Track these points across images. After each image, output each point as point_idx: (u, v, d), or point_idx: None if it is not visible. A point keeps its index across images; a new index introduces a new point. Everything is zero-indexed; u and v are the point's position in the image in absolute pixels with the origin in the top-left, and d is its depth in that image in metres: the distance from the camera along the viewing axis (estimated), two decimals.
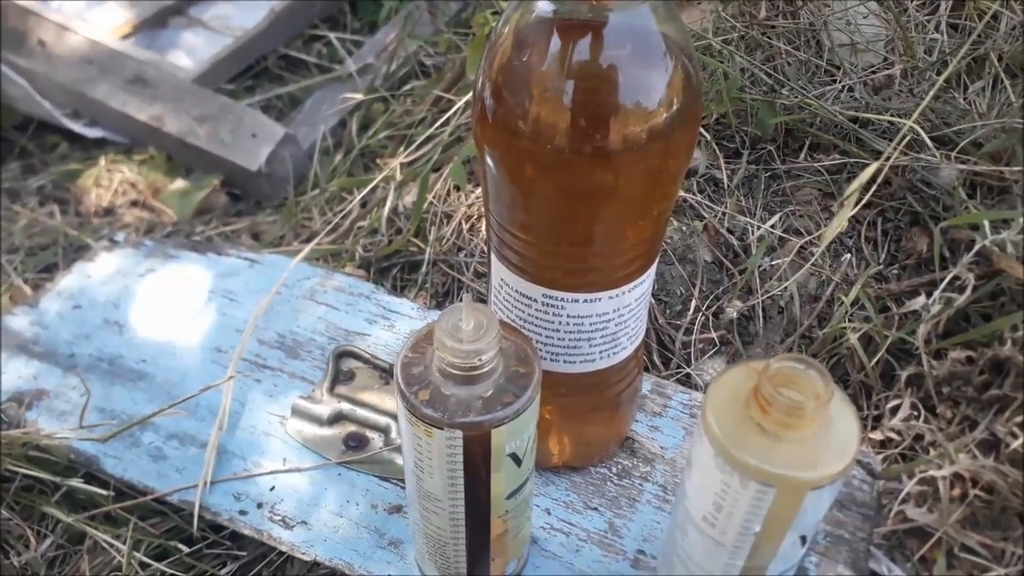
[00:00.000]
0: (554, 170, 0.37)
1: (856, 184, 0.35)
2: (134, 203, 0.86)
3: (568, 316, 0.43)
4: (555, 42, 0.36)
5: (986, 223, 0.57)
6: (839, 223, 0.36)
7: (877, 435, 0.59)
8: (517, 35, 0.37)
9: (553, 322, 0.43)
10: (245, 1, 1.13)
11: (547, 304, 0.42)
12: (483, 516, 0.41)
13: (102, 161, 0.90)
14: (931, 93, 0.63)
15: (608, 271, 0.41)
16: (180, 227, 0.83)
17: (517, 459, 0.39)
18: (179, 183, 0.89)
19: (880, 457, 0.56)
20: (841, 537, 0.50)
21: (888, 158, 0.62)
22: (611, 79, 0.35)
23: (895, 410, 0.59)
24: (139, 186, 0.87)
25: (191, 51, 1.07)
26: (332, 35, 1.07)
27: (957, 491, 0.56)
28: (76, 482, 0.55)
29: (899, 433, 0.58)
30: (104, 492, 0.54)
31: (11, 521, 0.56)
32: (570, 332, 0.43)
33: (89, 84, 0.94)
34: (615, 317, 0.43)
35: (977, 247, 0.57)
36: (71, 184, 0.88)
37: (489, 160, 0.39)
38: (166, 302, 0.66)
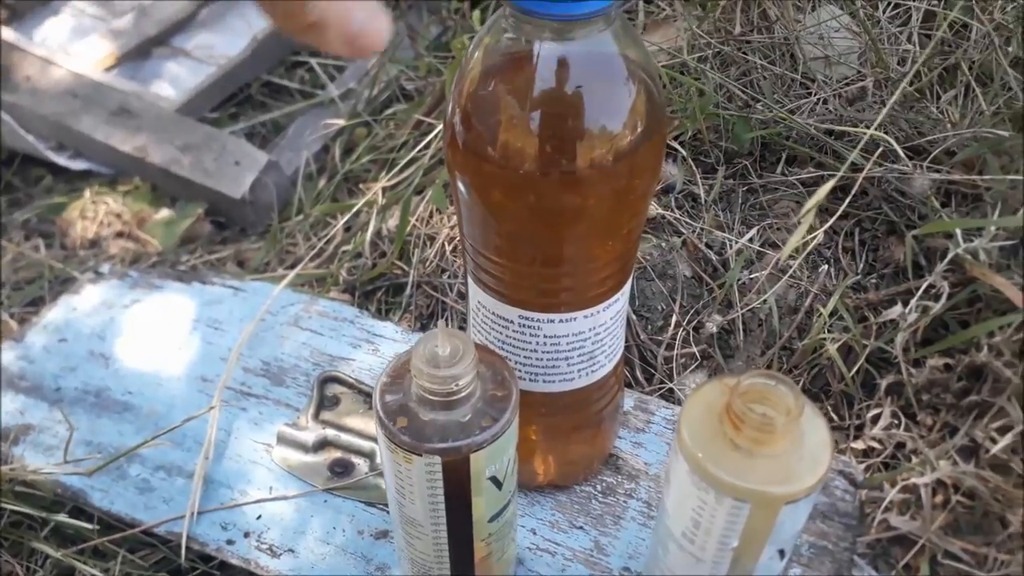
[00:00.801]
0: (523, 193, 0.38)
1: (813, 201, 0.36)
2: (119, 234, 0.87)
3: (545, 336, 0.43)
4: (521, 69, 0.36)
5: (959, 231, 0.58)
6: (796, 240, 0.37)
7: (859, 444, 0.59)
8: (485, 62, 0.37)
9: (530, 343, 0.44)
10: (227, 30, 1.14)
11: (523, 325, 0.43)
12: (466, 540, 0.41)
13: (87, 193, 0.90)
14: (895, 96, 0.64)
15: (582, 291, 0.42)
16: (165, 257, 0.83)
17: (497, 482, 0.39)
18: (164, 213, 0.89)
19: (862, 466, 0.57)
20: (824, 548, 0.51)
21: (860, 169, 0.63)
22: (575, 104, 0.36)
23: (876, 419, 0.60)
24: (124, 217, 0.88)
25: (175, 81, 1.07)
26: (314, 61, 1.08)
27: (939, 498, 0.56)
28: (63, 517, 0.55)
29: (880, 442, 0.59)
30: (90, 526, 0.54)
31: (0, 557, 0.56)
32: (547, 352, 0.44)
33: (73, 116, 0.95)
34: (591, 336, 0.44)
35: (950, 255, 0.58)
36: (56, 217, 0.88)
37: (460, 185, 0.40)
38: (151, 333, 0.66)
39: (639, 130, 0.37)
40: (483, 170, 0.38)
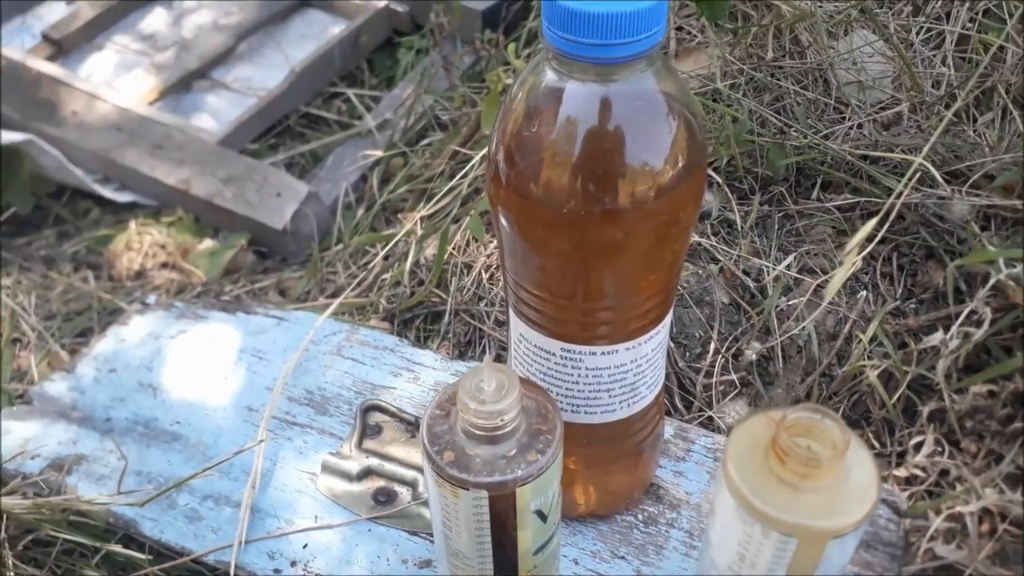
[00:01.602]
0: (566, 230, 0.38)
1: (856, 239, 0.36)
2: (164, 265, 0.89)
3: (587, 369, 0.44)
4: (563, 110, 0.37)
5: (1001, 260, 0.58)
6: (842, 277, 0.37)
7: (902, 472, 0.59)
8: (528, 103, 0.38)
9: (572, 375, 0.44)
10: (266, 62, 1.17)
11: (565, 358, 0.44)
12: (511, 572, 0.41)
13: (132, 225, 0.93)
14: (939, 128, 0.64)
15: (624, 323, 0.42)
16: (209, 287, 0.85)
17: (543, 515, 0.39)
18: (207, 243, 0.91)
19: (906, 494, 0.56)
20: None
21: (899, 195, 0.63)
22: (618, 143, 0.37)
23: (919, 446, 0.59)
24: (168, 248, 0.90)
25: (215, 113, 1.10)
26: (351, 92, 1.11)
27: (986, 526, 0.55)
28: (115, 546, 0.56)
29: (924, 469, 0.58)
30: (141, 556, 0.56)
31: None
32: (589, 384, 0.44)
33: (118, 150, 0.98)
34: (633, 368, 0.44)
35: (992, 281, 0.58)
36: (104, 249, 0.91)
37: (503, 220, 0.41)
38: (198, 363, 0.68)
39: (680, 165, 0.38)
40: (526, 207, 0.39)
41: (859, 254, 0.63)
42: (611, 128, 0.37)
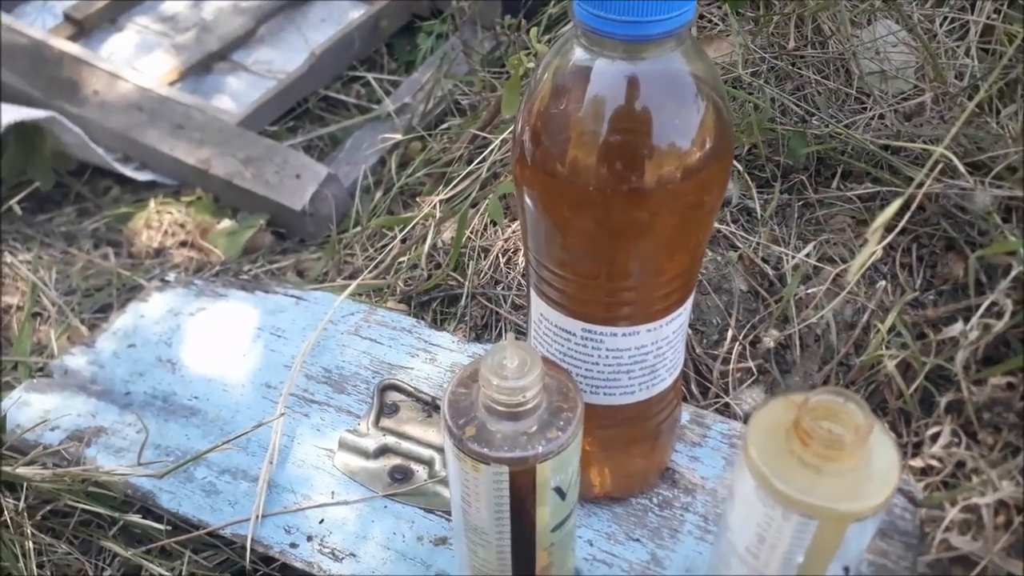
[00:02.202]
0: (591, 209, 0.38)
1: (881, 220, 0.36)
2: (183, 243, 0.89)
3: (607, 349, 0.44)
4: (591, 88, 0.37)
5: (1022, 250, 0.57)
6: (864, 259, 0.37)
7: (918, 463, 0.59)
8: (555, 82, 0.38)
9: (592, 355, 0.44)
10: (286, 45, 1.17)
11: (586, 338, 0.44)
12: (529, 549, 0.42)
13: (152, 203, 0.93)
14: (962, 118, 0.63)
15: (645, 305, 0.42)
16: (228, 266, 0.86)
17: (561, 492, 0.40)
18: (226, 223, 0.92)
19: (921, 485, 0.56)
20: (884, 566, 0.50)
21: (920, 185, 0.63)
22: (645, 122, 0.37)
23: (935, 437, 0.59)
24: (188, 227, 0.90)
25: (235, 95, 1.11)
26: (370, 76, 1.11)
27: (1001, 518, 0.55)
28: (133, 517, 0.57)
29: (940, 460, 0.58)
30: (159, 526, 0.56)
31: (70, 555, 0.58)
32: (609, 365, 0.44)
33: (139, 129, 0.98)
34: (653, 349, 0.44)
35: (1014, 272, 0.58)
36: (123, 226, 0.91)
37: (528, 200, 0.41)
38: (216, 340, 0.68)
39: (708, 148, 0.38)
40: (552, 186, 0.39)
41: (880, 241, 0.62)
42: (639, 107, 0.37)
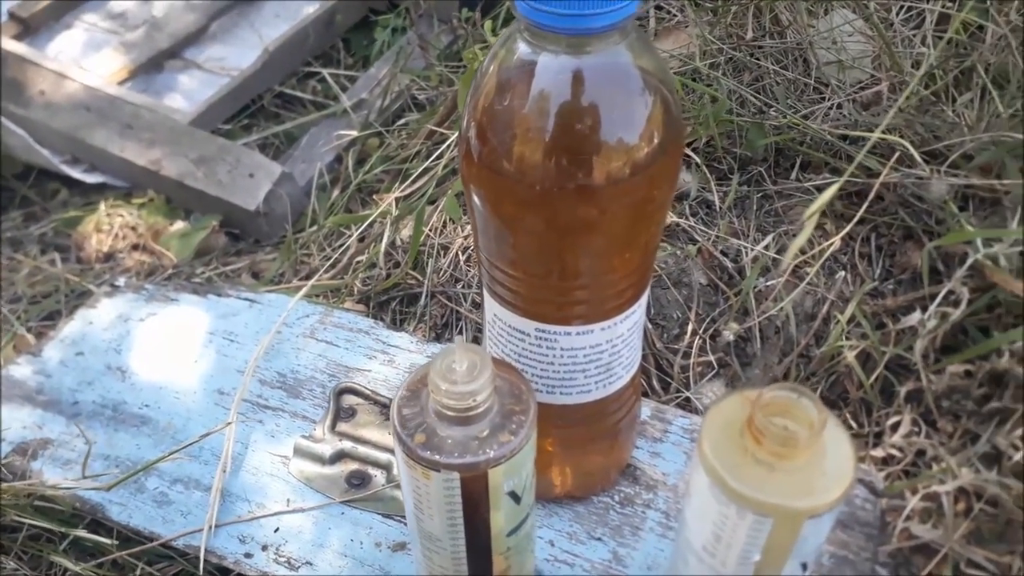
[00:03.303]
0: (540, 207, 0.38)
1: (818, 204, 0.35)
2: (135, 247, 0.87)
3: (562, 349, 0.43)
4: (536, 83, 0.36)
5: (978, 239, 0.58)
6: (801, 241, 0.37)
7: (879, 452, 0.59)
8: (500, 76, 0.37)
9: (547, 355, 0.43)
10: (239, 42, 1.15)
11: (540, 338, 0.43)
12: (485, 554, 0.41)
13: (102, 206, 0.91)
14: (901, 99, 0.64)
15: (599, 303, 0.41)
16: (181, 269, 0.84)
17: (516, 497, 0.39)
18: (179, 225, 0.89)
19: (882, 475, 0.56)
20: (845, 558, 0.50)
21: (874, 174, 0.63)
22: (592, 118, 0.36)
23: (896, 426, 0.59)
24: (139, 229, 0.88)
25: (187, 93, 1.08)
26: (326, 71, 1.09)
27: (961, 506, 0.56)
28: (82, 531, 0.55)
29: (900, 450, 0.58)
30: (109, 541, 0.55)
31: (19, 572, 0.56)
32: (564, 365, 0.44)
33: (87, 130, 0.96)
34: (608, 348, 0.44)
35: (970, 261, 0.58)
36: (72, 230, 0.89)
37: (476, 198, 0.40)
38: (168, 346, 0.66)
39: (656, 142, 0.37)
40: (498, 184, 0.38)
41: (838, 233, 0.62)
42: (584, 102, 0.36)
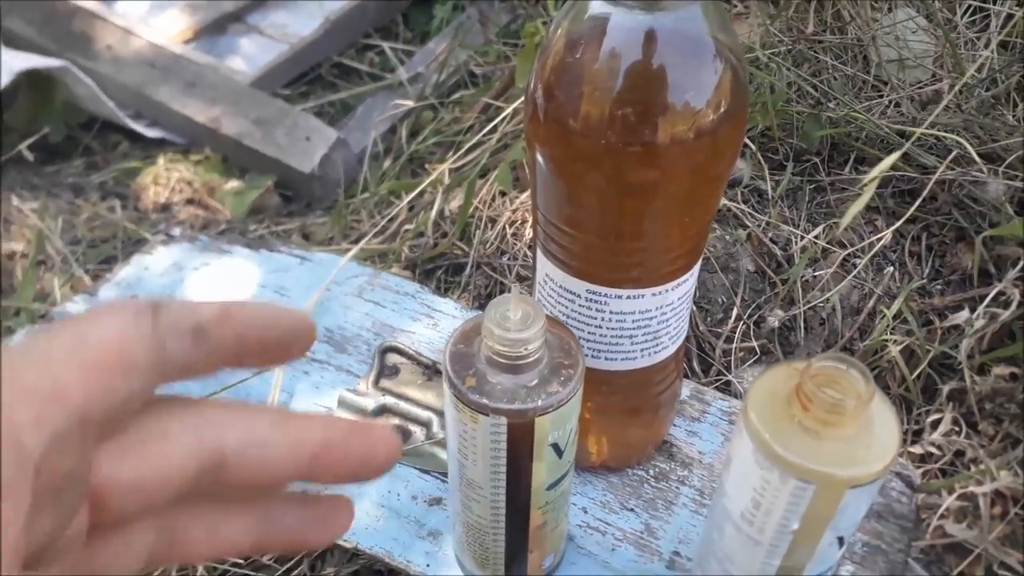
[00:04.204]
0: (602, 164, 0.38)
1: (877, 171, 0.35)
2: (190, 201, 0.89)
3: (611, 312, 0.43)
4: (607, 41, 0.37)
5: None
6: (857, 208, 0.37)
7: (917, 449, 0.58)
8: (569, 36, 0.38)
9: (596, 318, 0.44)
10: (301, 10, 1.17)
11: (590, 300, 0.43)
12: (523, 506, 0.41)
13: (161, 160, 0.93)
14: (949, 98, 0.63)
15: (652, 267, 0.42)
16: (234, 225, 0.86)
17: (559, 450, 0.39)
18: (234, 183, 0.91)
19: (920, 471, 0.56)
20: (878, 548, 0.50)
21: (929, 172, 0.62)
22: (660, 77, 0.36)
23: (936, 424, 0.59)
24: (195, 185, 0.90)
25: (248, 57, 1.10)
26: (385, 44, 1.10)
27: (998, 509, 0.55)
28: None
29: (939, 448, 0.58)
30: None
31: None
32: (612, 329, 0.44)
33: (151, 86, 0.98)
34: (657, 315, 0.44)
35: (1023, 263, 0.57)
36: (131, 181, 0.91)
37: (540, 157, 0.40)
38: (219, 295, 0.68)
39: (722, 109, 0.37)
40: (563, 141, 0.38)
41: (888, 228, 0.62)
42: (654, 61, 0.36)
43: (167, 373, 0.21)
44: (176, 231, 0.76)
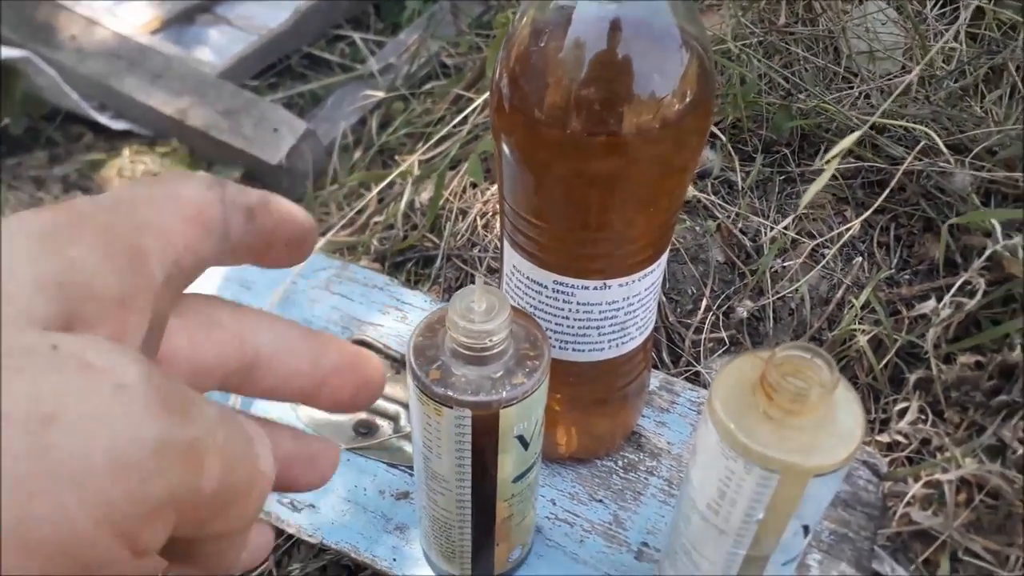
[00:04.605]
0: (568, 154, 0.38)
1: (838, 149, 0.35)
2: None
3: (578, 303, 0.43)
4: (572, 30, 0.36)
5: (998, 229, 0.57)
6: (817, 187, 0.37)
7: (884, 438, 0.59)
8: (535, 25, 0.37)
9: (563, 309, 0.44)
10: (271, 1, 1.15)
11: (557, 291, 0.43)
12: (489, 499, 0.41)
13: (126, 152, 0.92)
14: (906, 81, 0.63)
15: (619, 258, 0.42)
16: None
17: (524, 442, 0.39)
18: (201, 175, 0.90)
19: (887, 459, 0.57)
20: (845, 536, 0.50)
21: (897, 163, 0.63)
22: (625, 66, 0.36)
23: (902, 413, 0.59)
24: None
25: (216, 48, 1.09)
26: (356, 35, 1.09)
27: (963, 495, 0.56)
28: None
29: (906, 436, 0.58)
30: None
31: None
32: (579, 320, 0.44)
33: (116, 77, 0.96)
34: (624, 306, 0.44)
35: (988, 252, 0.58)
36: (95, 174, 0.90)
37: (505, 147, 0.40)
38: None
39: (688, 99, 0.37)
40: (528, 130, 0.38)
41: (857, 219, 0.62)
42: (619, 50, 0.36)
43: (224, 248, 0.20)
44: None
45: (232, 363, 0.20)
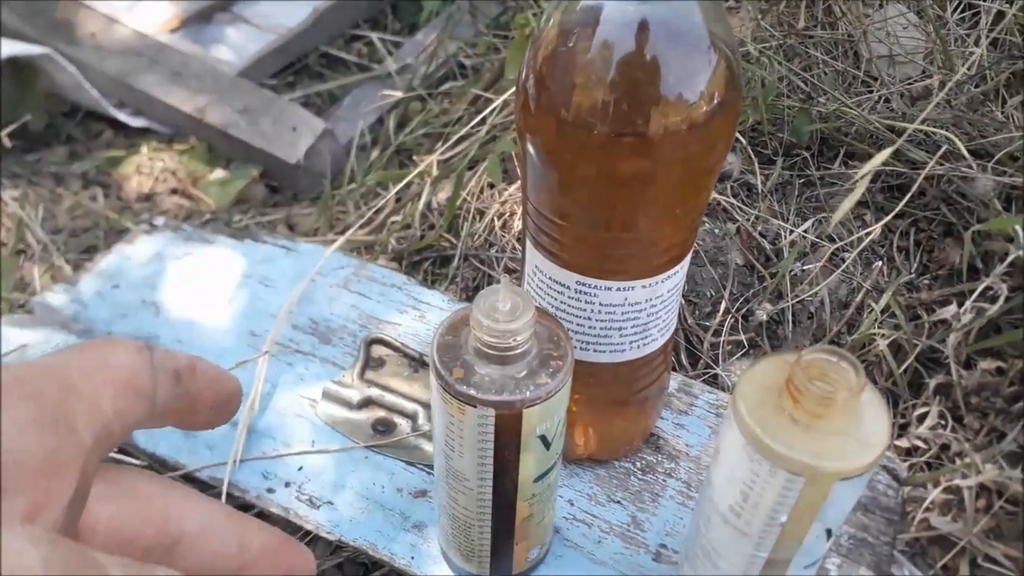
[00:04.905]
0: (594, 154, 0.38)
1: (870, 166, 0.35)
2: (174, 191, 0.88)
3: (600, 304, 0.43)
4: (600, 31, 0.36)
5: (1020, 234, 0.57)
6: (849, 204, 0.37)
7: (903, 443, 0.59)
8: (562, 26, 0.37)
9: (585, 310, 0.44)
10: (289, 1, 1.15)
11: (580, 291, 0.43)
12: (510, 498, 0.41)
13: (144, 149, 0.92)
14: (947, 87, 0.63)
15: (642, 260, 0.42)
16: (218, 215, 0.85)
17: (546, 442, 0.39)
18: (218, 173, 0.90)
19: (906, 464, 0.56)
20: (864, 540, 0.50)
21: (918, 167, 0.62)
22: (653, 67, 0.36)
23: (922, 418, 0.59)
24: (179, 174, 0.89)
25: (235, 47, 1.09)
26: (373, 35, 1.09)
27: (982, 502, 0.55)
28: (111, 456, 0.56)
29: (925, 441, 0.58)
30: (137, 462, 0.55)
31: None
32: (601, 320, 0.44)
33: (135, 75, 0.97)
34: (647, 307, 0.44)
35: (1011, 257, 0.57)
36: (114, 170, 0.90)
37: (531, 148, 0.40)
38: (203, 285, 0.67)
39: (716, 101, 0.37)
40: (555, 131, 0.38)
41: (877, 223, 0.62)
42: (647, 51, 0.36)
43: (152, 411, 0.21)
44: (159, 220, 0.75)
45: (154, 537, 0.20)
